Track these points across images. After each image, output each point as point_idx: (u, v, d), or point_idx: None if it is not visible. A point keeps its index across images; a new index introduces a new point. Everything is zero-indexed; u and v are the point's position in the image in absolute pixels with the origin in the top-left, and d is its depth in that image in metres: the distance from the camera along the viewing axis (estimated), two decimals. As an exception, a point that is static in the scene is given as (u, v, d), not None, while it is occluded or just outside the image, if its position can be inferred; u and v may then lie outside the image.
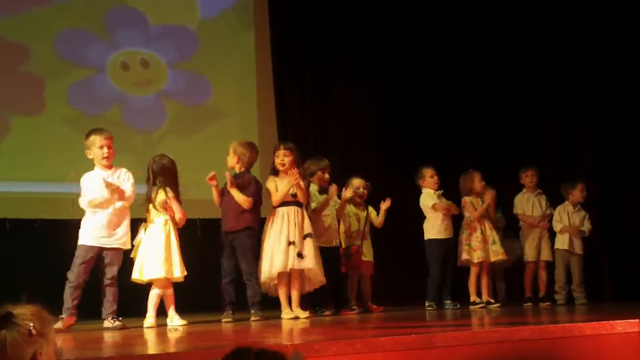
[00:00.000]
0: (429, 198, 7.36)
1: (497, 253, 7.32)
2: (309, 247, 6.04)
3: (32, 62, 7.46)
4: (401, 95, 8.97)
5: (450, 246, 7.35)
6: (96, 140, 5.71)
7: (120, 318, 5.55)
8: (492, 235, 7.34)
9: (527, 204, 7.82)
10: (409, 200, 7.45)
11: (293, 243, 5.98)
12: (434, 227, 7.33)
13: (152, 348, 4.07)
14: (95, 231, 5.62)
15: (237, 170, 6.19)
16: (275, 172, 6.24)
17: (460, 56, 9.13)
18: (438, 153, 8.45)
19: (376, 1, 8.97)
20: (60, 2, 7.67)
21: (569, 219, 7.70)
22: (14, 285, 6.12)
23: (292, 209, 6.10)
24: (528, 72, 8.92)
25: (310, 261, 6.02)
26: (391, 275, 7.96)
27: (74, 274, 5.53)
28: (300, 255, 5.98)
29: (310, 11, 8.85)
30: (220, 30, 8.35)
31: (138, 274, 5.60)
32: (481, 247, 7.30)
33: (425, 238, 7.37)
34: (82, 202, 5.70)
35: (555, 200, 7.84)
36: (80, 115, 7.59)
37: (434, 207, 7.31)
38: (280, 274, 6.01)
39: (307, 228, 6.09)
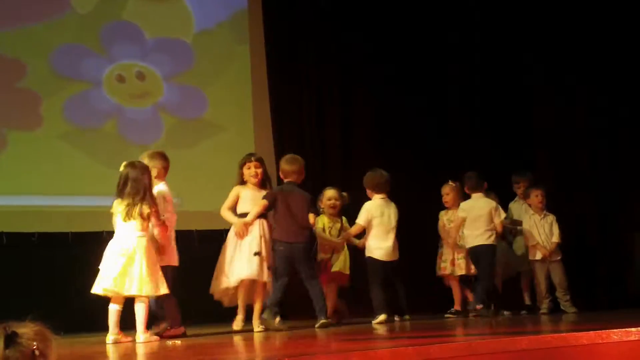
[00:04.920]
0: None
1: (461, 268, 7.36)
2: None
3: (29, 78, 7.47)
4: (401, 104, 8.95)
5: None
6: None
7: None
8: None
9: (526, 216, 7.70)
10: (410, 216, 7.42)
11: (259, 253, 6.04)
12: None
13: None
14: None
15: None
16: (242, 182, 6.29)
17: (460, 70, 9.17)
18: (439, 169, 8.39)
19: (375, 17, 8.95)
20: (56, 18, 7.70)
21: (537, 228, 7.51)
22: (11, 299, 6.18)
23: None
24: (528, 90, 8.99)
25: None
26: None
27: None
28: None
29: (305, 25, 8.84)
30: (216, 44, 8.37)
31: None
32: (448, 260, 7.42)
33: None
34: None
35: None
36: (77, 129, 7.62)
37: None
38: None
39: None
